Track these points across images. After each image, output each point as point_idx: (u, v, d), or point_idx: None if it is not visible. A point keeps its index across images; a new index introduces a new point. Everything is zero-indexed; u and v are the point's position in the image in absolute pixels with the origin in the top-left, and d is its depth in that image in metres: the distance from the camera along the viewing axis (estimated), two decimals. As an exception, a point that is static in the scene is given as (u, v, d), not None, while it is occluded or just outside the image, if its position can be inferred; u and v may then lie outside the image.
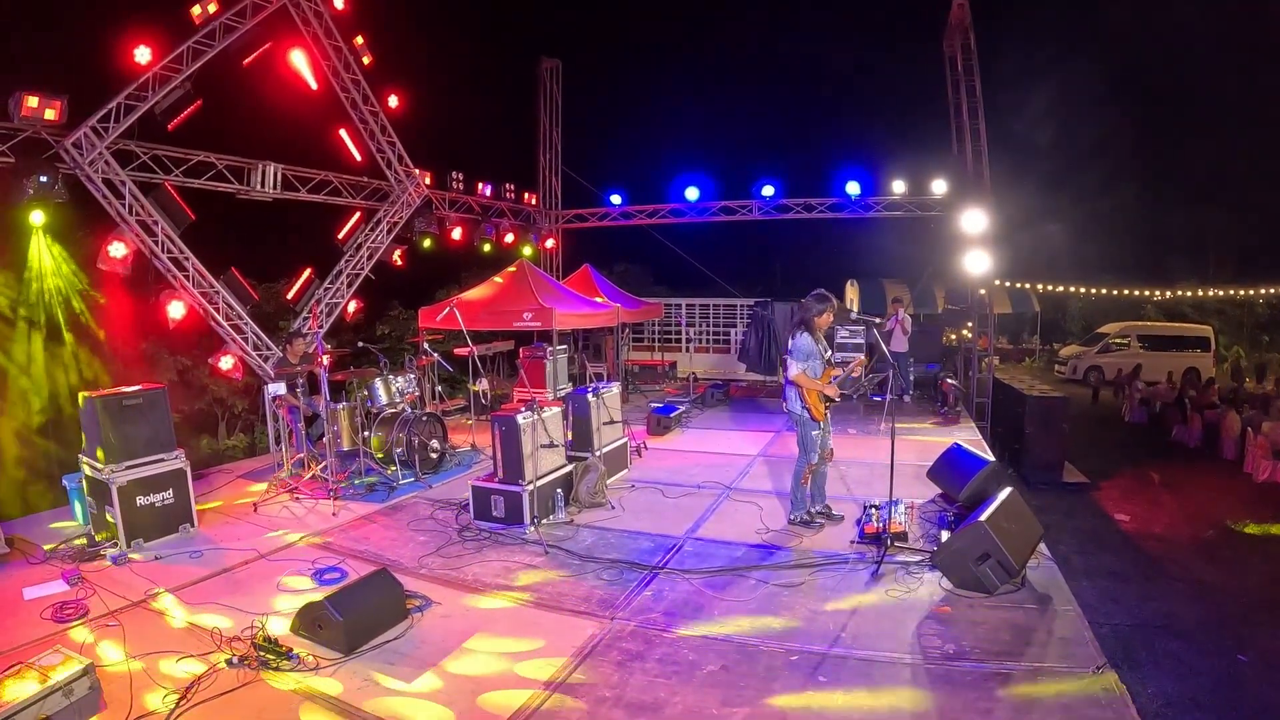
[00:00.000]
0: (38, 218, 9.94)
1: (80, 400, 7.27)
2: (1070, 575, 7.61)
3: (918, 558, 6.51)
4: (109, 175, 10.24)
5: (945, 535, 6.58)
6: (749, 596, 5.94)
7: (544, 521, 7.72)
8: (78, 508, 7.77)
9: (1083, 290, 32.62)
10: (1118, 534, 11.03)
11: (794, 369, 7.06)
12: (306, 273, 13.33)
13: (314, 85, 12.75)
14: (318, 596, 5.25)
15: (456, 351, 12.26)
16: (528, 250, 18.93)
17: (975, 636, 5.15)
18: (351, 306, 14.10)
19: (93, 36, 11.62)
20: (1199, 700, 6.53)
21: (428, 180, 15.35)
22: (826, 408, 7.22)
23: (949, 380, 13.96)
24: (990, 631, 5.21)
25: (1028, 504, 6.53)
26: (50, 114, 9.31)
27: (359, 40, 13.45)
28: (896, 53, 33.10)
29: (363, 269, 14.09)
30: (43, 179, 9.30)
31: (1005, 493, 6.35)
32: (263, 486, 9.10)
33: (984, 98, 15.33)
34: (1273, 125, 31.14)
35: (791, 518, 7.59)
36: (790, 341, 7.18)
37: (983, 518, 5.80)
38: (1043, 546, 6.51)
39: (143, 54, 10.18)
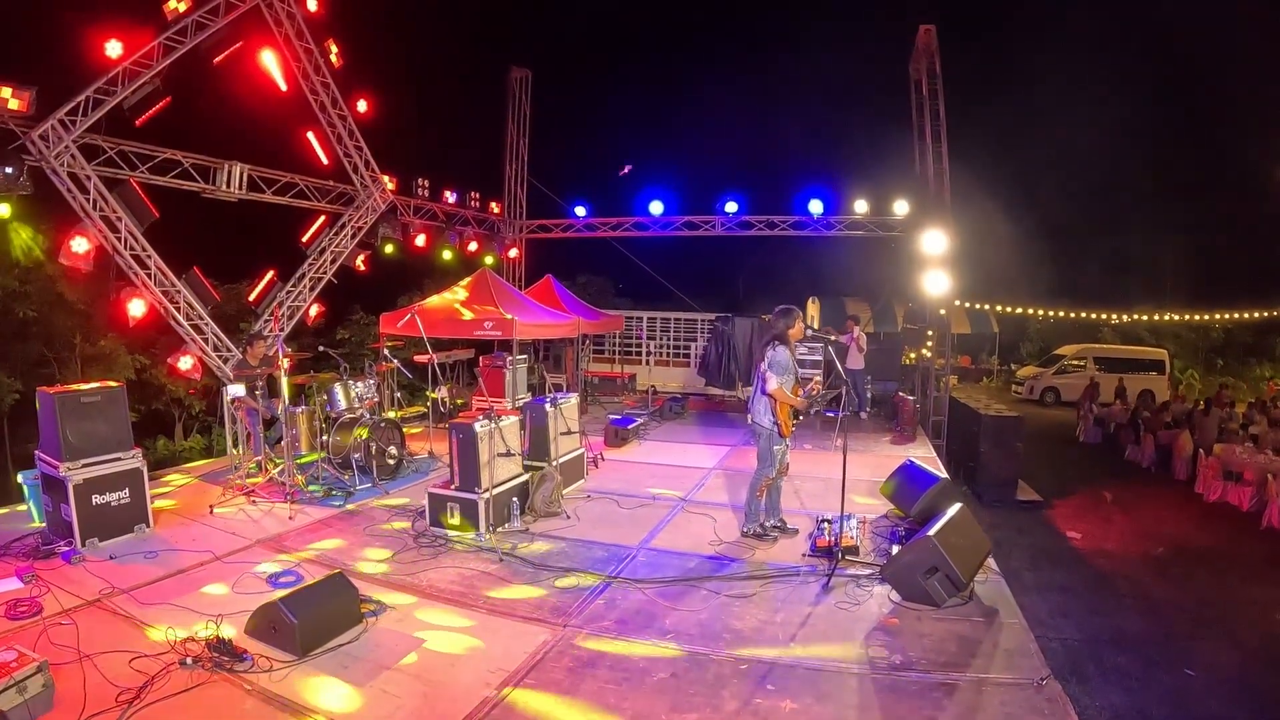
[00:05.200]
0: (2, 210, 9.84)
1: (38, 397, 7.20)
2: (1021, 591, 7.77)
3: (868, 571, 6.62)
4: (74, 169, 10.15)
5: (896, 549, 6.69)
6: (701, 606, 6.01)
7: (499, 529, 7.76)
8: (33, 505, 7.68)
9: (1041, 313, 33.16)
10: (1069, 551, 11.21)
11: (773, 382, 7.05)
12: (269, 275, 13.26)
13: (283, 87, 12.71)
14: (273, 598, 5.25)
15: (416, 358, 12.22)
16: (490, 259, 18.95)
17: (922, 648, 5.26)
18: (313, 310, 14.03)
19: (63, 29, 11.54)
20: (1146, 713, 6.64)
21: (393, 186, 15.36)
22: (794, 423, 7.30)
23: (905, 397, 14.14)
24: (937, 643, 5.33)
25: (979, 520, 6.66)
26: (18, 105, 9.22)
27: (330, 44, 13.43)
28: (862, 74, 33.57)
29: (325, 273, 14.02)
30: (8, 170, 9.21)
31: (954, 508, 6.47)
32: (219, 489, 9.02)
33: (947, 121, 15.60)
34: (1231, 149, 32.02)
35: (745, 530, 7.66)
36: (767, 356, 7.16)
37: (931, 532, 5.93)
38: (991, 561, 6.64)
39: (113, 48, 10.12)
